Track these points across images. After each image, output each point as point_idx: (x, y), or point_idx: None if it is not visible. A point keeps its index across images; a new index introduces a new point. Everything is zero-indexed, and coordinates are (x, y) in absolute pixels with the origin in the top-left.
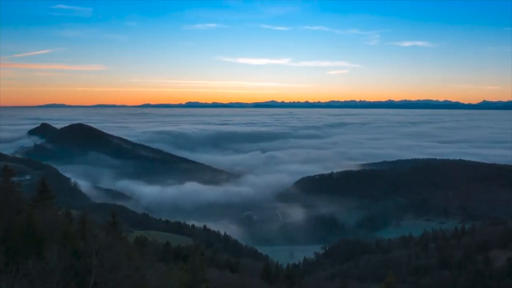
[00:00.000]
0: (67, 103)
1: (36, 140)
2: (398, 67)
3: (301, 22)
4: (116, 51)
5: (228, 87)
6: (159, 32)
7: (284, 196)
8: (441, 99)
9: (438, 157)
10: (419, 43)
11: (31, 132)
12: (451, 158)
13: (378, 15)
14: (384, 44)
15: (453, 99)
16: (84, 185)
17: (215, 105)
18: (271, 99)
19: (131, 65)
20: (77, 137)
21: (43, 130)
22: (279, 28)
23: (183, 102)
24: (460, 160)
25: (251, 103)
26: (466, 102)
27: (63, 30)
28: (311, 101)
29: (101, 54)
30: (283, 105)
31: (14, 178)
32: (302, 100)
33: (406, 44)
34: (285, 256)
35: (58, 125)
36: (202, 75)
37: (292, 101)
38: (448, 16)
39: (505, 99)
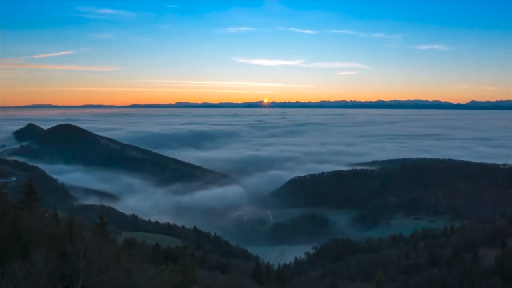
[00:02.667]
0: (53, 104)
1: (21, 141)
2: (405, 69)
3: (330, 26)
4: (136, 53)
5: (229, 88)
6: (188, 35)
7: (274, 196)
8: (430, 99)
9: (427, 157)
10: (436, 46)
11: (17, 133)
12: (440, 157)
13: (401, 19)
14: (403, 47)
15: (443, 99)
16: (71, 186)
17: (205, 105)
18: (262, 100)
19: (143, 67)
20: (64, 137)
21: (30, 130)
22: (307, 31)
23: (173, 102)
24: (449, 159)
25: (242, 103)
26: (455, 102)
27: (95, 33)
28: (302, 101)
29: (120, 55)
30: (273, 105)
31: (0, 180)
32: (293, 100)
33: (424, 47)
34: (276, 256)
35: (45, 126)
36: (209, 76)
37: (283, 101)
38: (455, 19)
39: (493, 99)
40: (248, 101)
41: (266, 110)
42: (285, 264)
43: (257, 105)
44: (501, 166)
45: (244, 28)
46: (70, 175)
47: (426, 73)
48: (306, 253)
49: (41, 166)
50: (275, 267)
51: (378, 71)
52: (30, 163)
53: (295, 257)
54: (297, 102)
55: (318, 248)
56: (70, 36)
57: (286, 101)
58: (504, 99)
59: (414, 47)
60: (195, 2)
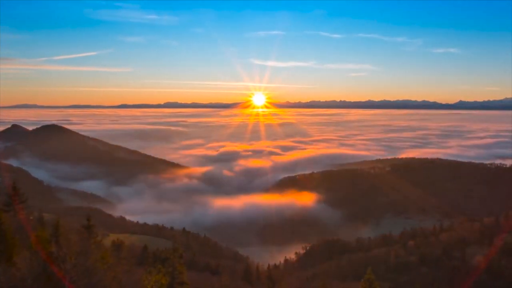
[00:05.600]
0: (39, 103)
1: (6, 142)
2: (412, 71)
3: (358, 30)
4: (157, 55)
5: (231, 88)
6: (216, 39)
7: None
8: (419, 99)
9: (416, 157)
10: (452, 50)
11: (1, 134)
12: (429, 157)
13: (422, 25)
14: (419, 51)
15: (431, 99)
16: (57, 188)
17: (194, 105)
18: (248, 99)
19: (157, 68)
20: (50, 138)
21: (14, 131)
22: (335, 36)
23: (162, 103)
24: (438, 159)
25: (231, 103)
26: (443, 102)
27: (125, 36)
28: (292, 101)
29: (141, 57)
30: (262, 105)
31: None
32: (283, 101)
33: (440, 50)
34: (266, 257)
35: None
36: (214, 77)
37: (276, 101)
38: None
39: (480, 99)
40: (239, 101)
41: (248, 110)
42: (275, 264)
43: (248, 105)
44: (489, 165)
45: (274, 32)
46: (56, 177)
47: (428, 75)
48: (296, 253)
49: (26, 167)
50: (265, 268)
51: (387, 73)
52: (15, 165)
53: (285, 257)
54: (287, 102)
55: (308, 248)
56: (102, 39)
57: (277, 101)
58: (491, 99)
59: (430, 50)
60: (236, 6)
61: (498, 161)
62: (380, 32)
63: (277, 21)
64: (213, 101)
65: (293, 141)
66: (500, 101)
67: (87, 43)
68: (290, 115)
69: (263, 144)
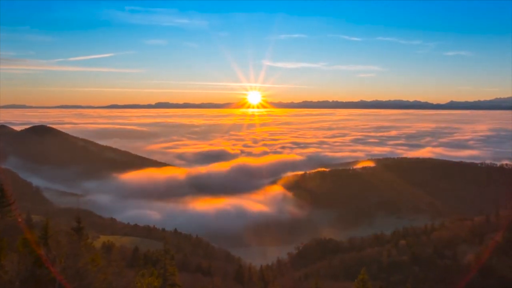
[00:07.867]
0: (28, 104)
1: None
2: (417, 72)
3: (376, 34)
4: (173, 57)
5: (226, 88)
6: (235, 42)
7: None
8: (411, 99)
9: (408, 156)
10: (463, 52)
11: None
12: (420, 157)
13: (438, 29)
14: (432, 54)
15: (423, 99)
16: (47, 190)
17: (186, 106)
18: (242, 100)
19: (168, 69)
20: (38, 139)
21: (2, 132)
22: (354, 39)
23: (153, 103)
24: (429, 158)
25: (223, 103)
26: (435, 102)
27: (149, 39)
28: (284, 101)
29: (157, 59)
30: (253, 105)
31: None
32: (276, 101)
33: (450, 53)
34: (258, 257)
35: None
36: (216, 78)
37: (268, 101)
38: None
39: (471, 99)
40: (229, 102)
41: (239, 111)
42: (267, 265)
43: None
44: (479, 165)
45: (296, 35)
46: (46, 178)
47: (429, 76)
48: (288, 253)
49: (14, 169)
50: (258, 268)
51: (391, 74)
52: (3, 166)
53: (278, 257)
54: (280, 103)
55: (300, 248)
56: (124, 41)
57: (270, 101)
58: (482, 99)
59: (442, 53)
60: (268, 10)
61: (488, 161)
62: (398, 35)
63: (302, 25)
64: (205, 101)
65: (285, 142)
66: (491, 101)
67: (109, 45)
68: (281, 116)
69: (255, 144)
